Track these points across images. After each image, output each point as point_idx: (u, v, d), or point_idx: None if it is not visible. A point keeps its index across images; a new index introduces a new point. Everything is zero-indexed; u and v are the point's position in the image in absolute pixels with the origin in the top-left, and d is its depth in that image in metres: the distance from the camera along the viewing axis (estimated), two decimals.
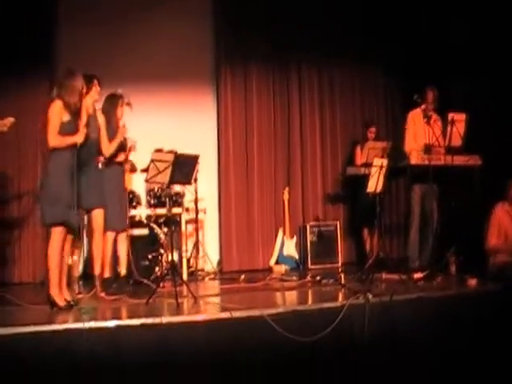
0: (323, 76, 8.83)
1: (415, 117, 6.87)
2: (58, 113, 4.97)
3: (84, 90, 5.21)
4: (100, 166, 5.76)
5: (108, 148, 5.83)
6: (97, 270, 5.79)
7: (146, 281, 6.19)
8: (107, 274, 5.91)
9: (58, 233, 4.95)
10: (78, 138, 5.03)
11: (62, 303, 4.98)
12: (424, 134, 6.63)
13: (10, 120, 5.67)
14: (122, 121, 6.08)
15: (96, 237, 5.76)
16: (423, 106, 6.76)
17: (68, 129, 5.00)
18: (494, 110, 7.06)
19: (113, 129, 5.92)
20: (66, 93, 5.01)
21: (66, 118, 5.00)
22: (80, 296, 5.66)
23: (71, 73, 5.13)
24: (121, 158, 6.03)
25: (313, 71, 8.77)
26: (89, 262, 6.36)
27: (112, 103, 6.01)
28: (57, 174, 4.94)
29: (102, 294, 5.65)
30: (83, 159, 5.43)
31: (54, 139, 4.96)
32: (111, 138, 5.86)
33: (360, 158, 7.86)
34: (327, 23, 8.52)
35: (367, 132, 8.11)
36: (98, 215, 5.74)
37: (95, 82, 5.76)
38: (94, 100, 5.79)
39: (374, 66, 8.90)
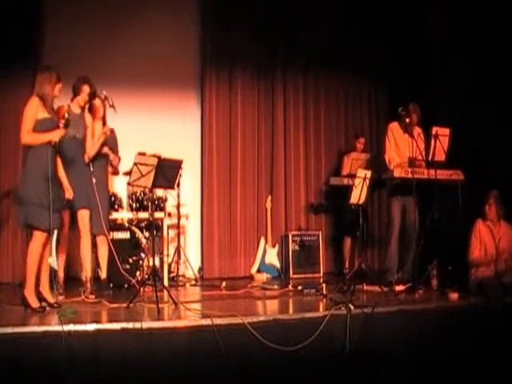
0: (308, 84, 8.84)
1: (394, 130, 6.85)
2: (33, 110, 4.88)
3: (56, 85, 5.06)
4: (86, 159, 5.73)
5: (91, 149, 5.80)
6: (87, 272, 5.77)
7: (132, 281, 6.12)
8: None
9: (40, 236, 4.87)
10: (54, 136, 4.88)
11: (35, 305, 4.90)
12: (407, 146, 6.64)
13: None
14: (107, 125, 6.08)
15: (84, 238, 5.75)
16: (407, 120, 6.71)
17: (44, 126, 4.89)
18: (478, 126, 7.10)
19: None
20: (41, 88, 4.92)
21: (43, 115, 4.90)
22: (61, 298, 5.57)
23: (48, 69, 5.06)
24: (104, 150, 5.98)
25: (298, 79, 8.77)
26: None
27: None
28: (36, 175, 4.82)
29: (92, 297, 5.59)
30: (70, 158, 5.39)
31: (26, 136, 4.86)
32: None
33: (346, 169, 7.92)
34: (313, 31, 8.51)
35: (356, 143, 8.17)
36: (84, 216, 5.70)
37: (83, 88, 5.72)
38: (79, 105, 5.74)
39: (359, 76, 8.93)
